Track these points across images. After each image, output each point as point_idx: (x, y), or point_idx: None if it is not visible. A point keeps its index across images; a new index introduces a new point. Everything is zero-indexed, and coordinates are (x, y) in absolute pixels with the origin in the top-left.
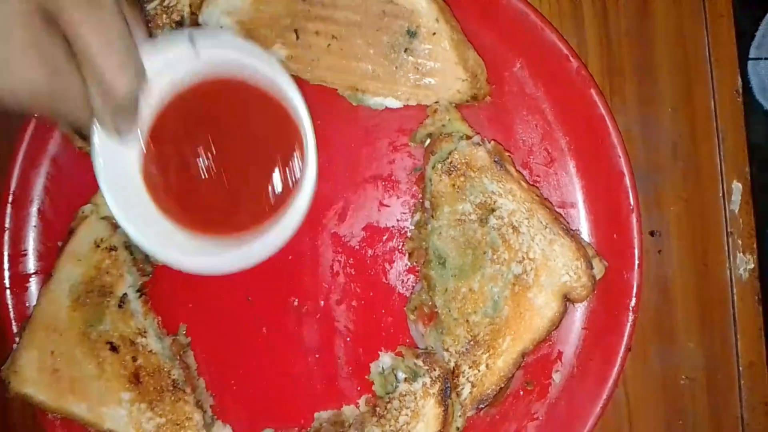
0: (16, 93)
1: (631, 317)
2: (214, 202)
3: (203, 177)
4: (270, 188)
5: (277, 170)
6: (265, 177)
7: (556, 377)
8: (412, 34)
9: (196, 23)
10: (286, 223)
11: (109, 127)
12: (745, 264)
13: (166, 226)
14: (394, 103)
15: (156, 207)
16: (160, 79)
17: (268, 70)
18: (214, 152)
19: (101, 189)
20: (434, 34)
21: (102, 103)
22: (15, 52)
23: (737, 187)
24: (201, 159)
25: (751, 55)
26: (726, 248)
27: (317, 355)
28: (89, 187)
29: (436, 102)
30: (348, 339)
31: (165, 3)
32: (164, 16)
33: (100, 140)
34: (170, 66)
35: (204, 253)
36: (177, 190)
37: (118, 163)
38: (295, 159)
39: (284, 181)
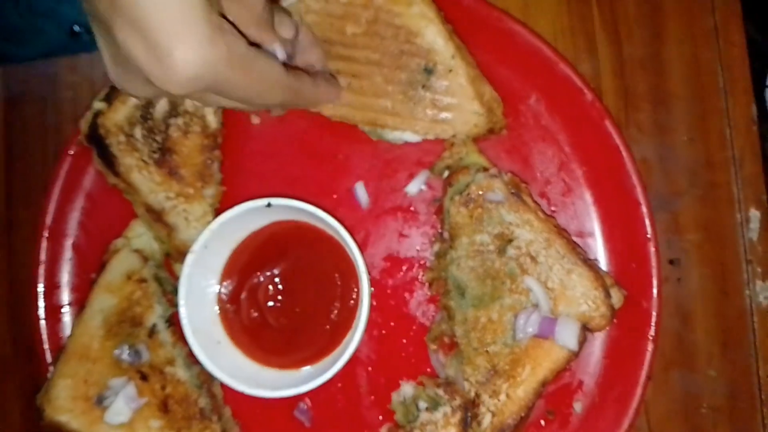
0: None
1: (650, 346)
2: (280, 340)
3: (271, 321)
4: (328, 327)
5: (335, 311)
6: (325, 316)
7: (577, 406)
8: (429, 71)
9: None
10: (337, 363)
11: None
12: (765, 291)
13: (236, 357)
14: (412, 137)
15: (230, 340)
16: (236, 223)
17: (323, 216)
18: (281, 289)
19: (182, 322)
20: (451, 70)
21: None
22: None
23: (755, 214)
24: (270, 300)
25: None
26: (745, 276)
27: (340, 385)
28: (121, 222)
29: (454, 136)
30: (370, 368)
31: None
32: None
33: (187, 277)
34: (245, 213)
35: (266, 386)
36: (249, 326)
37: (198, 297)
38: (352, 298)
39: (341, 320)
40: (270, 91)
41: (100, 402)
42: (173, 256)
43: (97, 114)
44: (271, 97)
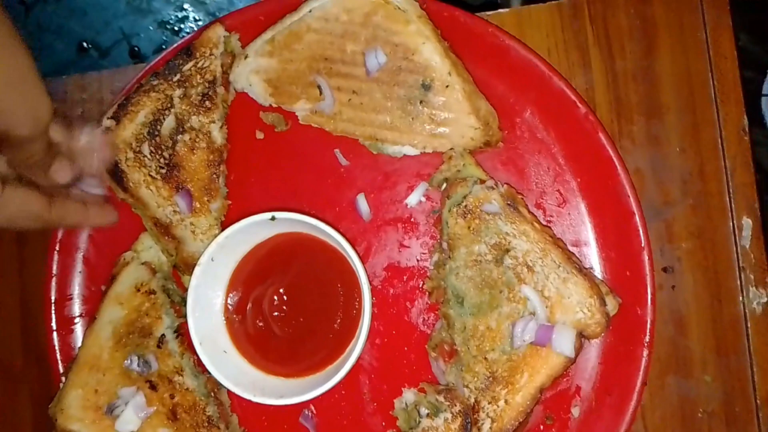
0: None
1: (646, 352)
2: (285, 348)
3: (276, 330)
4: (332, 336)
5: (338, 320)
6: (328, 325)
7: (575, 412)
8: (426, 87)
9: (227, 81)
10: (341, 371)
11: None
12: (758, 298)
13: (242, 366)
14: (411, 151)
15: (236, 349)
16: (241, 236)
17: (325, 228)
18: (286, 299)
19: (190, 332)
20: (447, 86)
21: None
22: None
23: (747, 222)
24: (275, 310)
25: (764, 92)
26: (739, 283)
27: (343, 392)
28: (130, 235)
29: (452, 149)
30: (372, 376)
31: (198, 65)
32: (198, 76)
33: (194, 289)
34: (250, 226)
35: (272, 394)
36: (254, 335)
37: (205, 308)
38: (354, 307)
39: (344, 329)
40: (23, 222)
41: (110, 411)
42: (181, 268)
43: (106, 131)
44: (26, 226)
